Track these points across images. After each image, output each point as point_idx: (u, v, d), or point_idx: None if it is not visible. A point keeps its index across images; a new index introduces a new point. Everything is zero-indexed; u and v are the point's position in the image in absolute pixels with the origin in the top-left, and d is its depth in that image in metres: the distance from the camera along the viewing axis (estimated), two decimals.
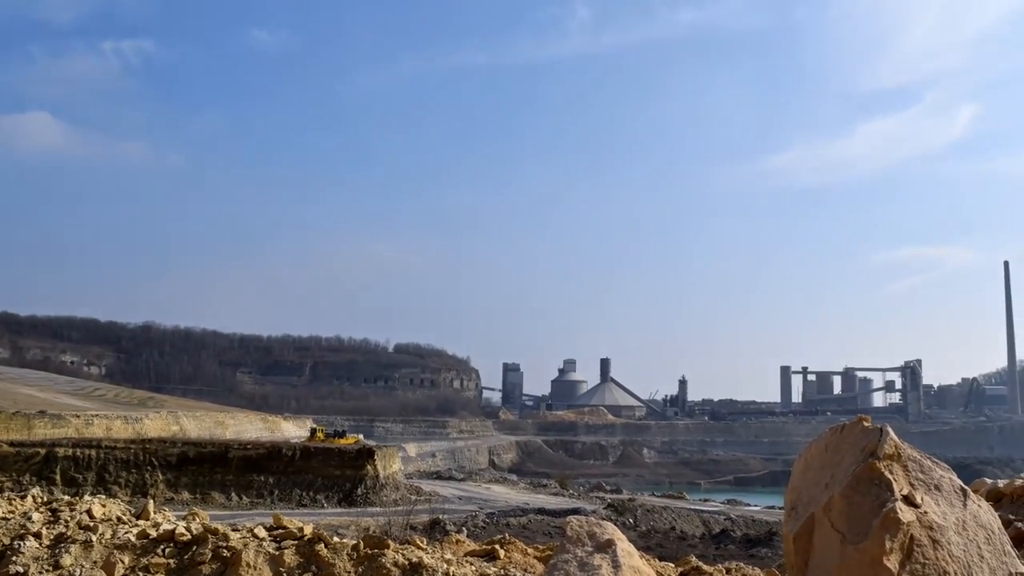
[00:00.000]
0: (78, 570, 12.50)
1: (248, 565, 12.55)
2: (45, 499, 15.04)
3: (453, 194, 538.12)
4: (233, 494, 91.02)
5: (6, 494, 15.37)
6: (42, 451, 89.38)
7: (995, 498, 15.14)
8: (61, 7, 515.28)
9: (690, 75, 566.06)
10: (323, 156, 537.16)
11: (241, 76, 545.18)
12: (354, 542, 13.34)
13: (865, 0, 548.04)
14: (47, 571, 12.52)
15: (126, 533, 13.32)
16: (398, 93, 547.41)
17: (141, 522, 14.05)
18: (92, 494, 18.27)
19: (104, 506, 14.44)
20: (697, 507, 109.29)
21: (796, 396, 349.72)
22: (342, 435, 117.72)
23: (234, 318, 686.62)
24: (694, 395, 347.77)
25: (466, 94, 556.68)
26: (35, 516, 13.74)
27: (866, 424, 9.62)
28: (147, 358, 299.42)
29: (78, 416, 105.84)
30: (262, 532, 13.54)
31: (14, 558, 12.62)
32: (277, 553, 12.78)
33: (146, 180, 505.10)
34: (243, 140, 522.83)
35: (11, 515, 13.99)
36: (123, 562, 12.67)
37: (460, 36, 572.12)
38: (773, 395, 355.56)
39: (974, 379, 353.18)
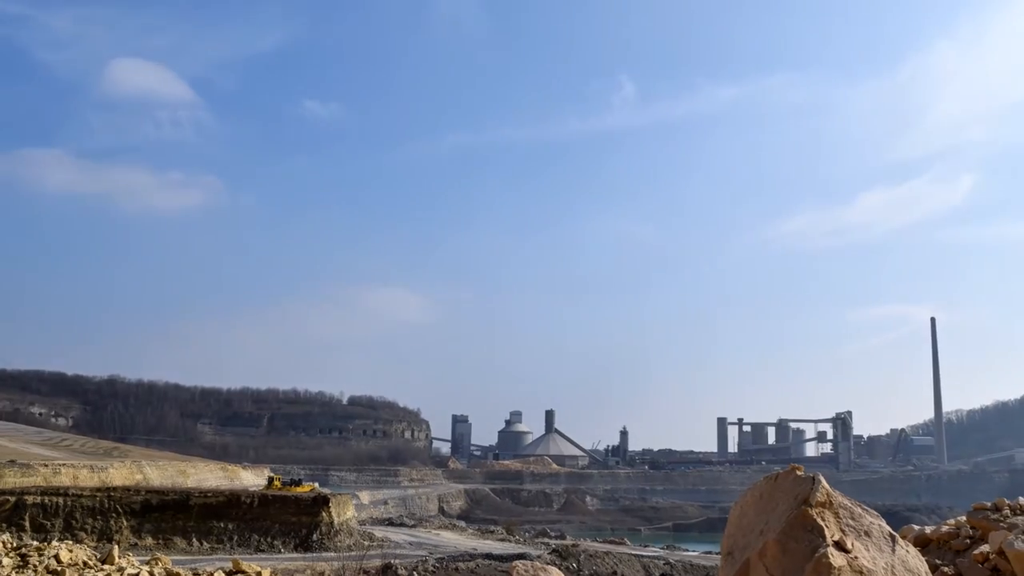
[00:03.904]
0: None
1: None
2: (14, 544, 14.85)
3: (417, 251, 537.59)
4: (194, 540, 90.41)
5: None
6: (11, 499, 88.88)
7: (922, 544, 15.31)
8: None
9: (724, 143, 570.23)
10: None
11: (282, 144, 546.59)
12: None
13: (900, 77, 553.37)
14: None
15: None
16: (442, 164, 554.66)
17: (106, 567, 13.89)
18: (60, 540, 18.01)
19: (71, 551, 14.26)
20: (638, 552, 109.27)
21: (732, 446, 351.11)
22: (298, 483, 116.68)
23: (195, 371, 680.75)
24: (635, 445, 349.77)
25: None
26: (5, 561, 13.56)
27: (799, 473, 9.70)
28: (112, 410, 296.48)
29: (46, 465, 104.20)
30: None
31: None
32: None
33: (114, 235, 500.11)
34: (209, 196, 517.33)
35: None
36: None
37: (506, 110, 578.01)
38: (710, 445, 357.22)
39: (902, 430, 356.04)
